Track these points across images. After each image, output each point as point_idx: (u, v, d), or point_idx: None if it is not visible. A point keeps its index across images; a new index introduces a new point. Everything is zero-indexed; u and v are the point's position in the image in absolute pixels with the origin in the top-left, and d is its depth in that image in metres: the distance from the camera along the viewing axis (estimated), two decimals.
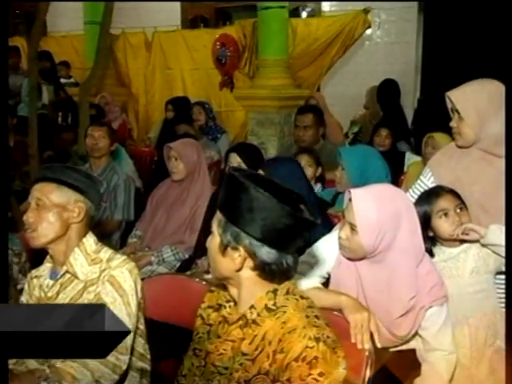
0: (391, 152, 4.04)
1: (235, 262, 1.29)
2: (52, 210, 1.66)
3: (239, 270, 1.31)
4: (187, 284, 2.11)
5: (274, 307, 1.32)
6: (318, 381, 1.19)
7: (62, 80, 6.92)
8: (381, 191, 1.73)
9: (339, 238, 1.74)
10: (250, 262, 1.29)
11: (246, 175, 1.29)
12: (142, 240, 3.20)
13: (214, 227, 1.33)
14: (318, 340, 1.22)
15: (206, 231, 2.96)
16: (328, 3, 7.36)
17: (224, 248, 1.30)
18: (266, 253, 1.26)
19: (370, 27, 5.93)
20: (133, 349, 1.63)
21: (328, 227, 2.16)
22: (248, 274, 1.32)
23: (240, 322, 1.34)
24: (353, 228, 1.66)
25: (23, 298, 1.82)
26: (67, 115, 5.63)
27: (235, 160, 3.04)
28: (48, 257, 1.76)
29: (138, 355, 1.74)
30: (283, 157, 2.94)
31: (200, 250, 2.89)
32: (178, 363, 1.54)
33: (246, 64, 6.06)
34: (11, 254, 2.29)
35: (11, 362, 1.71)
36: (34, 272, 1.81)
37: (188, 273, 2.73)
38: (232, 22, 7.40)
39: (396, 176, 3.52)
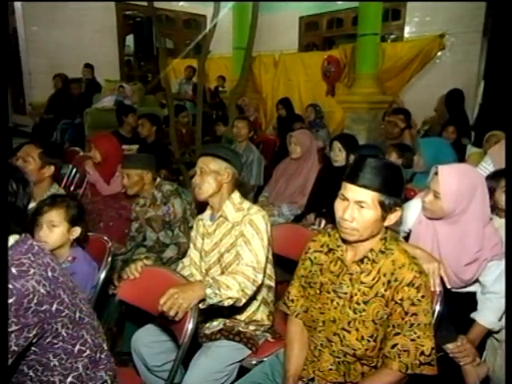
0: (456, 144, 3.71)
1: (389, 221, 1.25)
2: (210, 174, 1.67)
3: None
4: (299, 231, 2.08)
5: (384, 250, 1.28)
6: (420, 301, 1.20)
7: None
8: (462, 169, 1.57)
9: (423, 202, 1.62)
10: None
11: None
12: (268, 199, 3.20)
13: (370, 203, 1.20)
14: (420, 273, 1.22)
15: (313, 196, 2.91)
16: (408, 30, 6.90)
17: (385, 215, 1.23)
18: None
19: (444, 49, 5.42)
20: (264, 271, 1.62)
21: None
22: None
23: (358, 261, 1.29)
24: (436, 195, 1.54)
25: (192, 234, 1.87)
26: (220, 112, 5.79)
27: (337, 146, 2.91)
28: (208, 206, 1.79)
29: (267, 275, 1.74)
30: (369, 143, 2.84)
31: (309, 208, 2.84)
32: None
33: (346, 77, 5.81)
34: (185, 202, 2.36)
35: (187, 275, 1.77)
36: (199, 216, 1.85)
37: (300, 224, 2.69)
38: (336, 45, 7.11)
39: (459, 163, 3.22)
